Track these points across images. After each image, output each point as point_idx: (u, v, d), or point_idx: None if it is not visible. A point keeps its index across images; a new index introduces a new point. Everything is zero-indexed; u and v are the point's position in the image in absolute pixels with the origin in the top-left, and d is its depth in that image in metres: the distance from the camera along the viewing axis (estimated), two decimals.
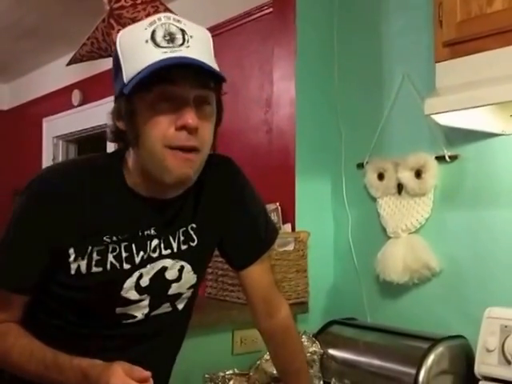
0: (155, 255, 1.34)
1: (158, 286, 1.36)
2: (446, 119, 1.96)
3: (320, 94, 2.56)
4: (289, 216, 2.49)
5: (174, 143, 1.21)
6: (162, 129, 1.20)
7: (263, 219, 1.54)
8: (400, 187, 2.27)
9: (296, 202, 2.49)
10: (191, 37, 1.20)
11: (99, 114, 4.27)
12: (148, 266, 1.33)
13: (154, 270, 1.34)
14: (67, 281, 1.30)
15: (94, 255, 1.28)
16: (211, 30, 2.89)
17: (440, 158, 2.16)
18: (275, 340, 1.58)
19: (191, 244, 1.39)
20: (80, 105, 4.62)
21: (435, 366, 1.91)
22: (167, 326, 1.43)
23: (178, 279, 1.39)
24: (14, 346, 1.29)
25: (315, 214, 2.55)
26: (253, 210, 1.52)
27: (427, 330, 2.11)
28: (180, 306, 1.42)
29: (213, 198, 1.43)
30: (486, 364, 1.85)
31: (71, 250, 1.27)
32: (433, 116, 1.92)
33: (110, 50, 2.64)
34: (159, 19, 1.21)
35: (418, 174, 2.19)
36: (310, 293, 2.43)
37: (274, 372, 2.05)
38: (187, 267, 1.39)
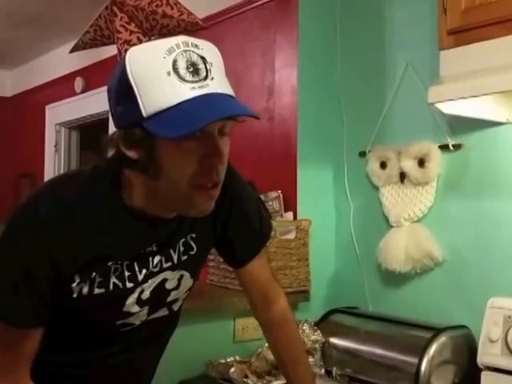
0: (156, 270, 1.33)
1: (158, 297, 1.36)
2: (449, 108, 1.95)
3: (322, 82, 2.55)
4: (290, 204, 2.49)
5: (202, 181, 1.19)
6: (191, 170, 1.17)
7: (257, 215, 1.52)
8: (403, 176, 2.26)
9: (298, 190, 2.49)
10: (211, 64, 1.15)
11: (102, 100, 4.24)
12: (149, 281, 1.32)
13: (155, 284, 1.34)
14: (68, 303, 1.26)
15: (97, 278, 1.26)
16: (213, 17, 2.92)
17: (443, 147, 2.15)
18: (273, 330, 1.59)
19: (191, 253, 1.38)
20: (82, 92, 4.60)
21: (437, 356, 1.90)
22: (162, 326, 1.44)
23: (177, 287, 1.39)
24: None
25: (317, 203, 2.54)
26: (247, 209, 1.50)
27: (429, 320, 2.10)
28: (175, 308, 1.43)
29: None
30: (488, 354, 1.84)
31: (76, 276, 1.24)
32: (436, 104, 1.91)
33: (112, 38, 2.64)
34: (178, 46, 1.14)
35: (421, 162, 2.18)
36: (311, 281, 2.43)
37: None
38: (186, 275, 1.39)
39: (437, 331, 1.95)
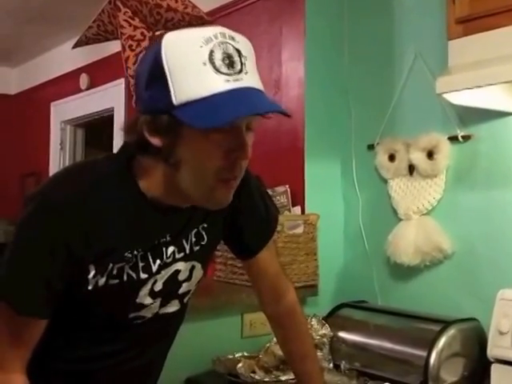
0: (169, 260, 1.32)
1: (171, 288, 1.35)
2: (458, 98, 1.94)
3: (329, 75, 2.54)
4: (298, 198, 2.48)
5: (225, 176, 1.18)
6: (217, 162, 1.16)
7: (262, 203, 1.52)
8: (411, 168, 2.25)
9: (305, 184, 2.48)
10: (246, 58, 1.15)
11: (107, 97, 4.26)
12: (162, 272, 1.31)
13: (168, 275, 1.32)
14: (82, 295, 1.24)
15: (114, 270, 1.25)
16: (220, 9, 2.90)
17: (453, 139, 2.14)
18: (281, 325, 1.58)
19: (202, 243, 1.38)
20: (88, 89, 4.59)
21: (447, 349, 1.90)
22: (171, 320, 1.43)
23: (189, 278, 1.38)
24: None
25: (325, 197, 2.54)
26: (253, 197, 1.49)
27: (439, 313, 2.10)
28: (185, 301, 1.42)
29: None
30: (498, 347, 1.84)
31: (91, 267, 1.22)
32: (445, 95, 1.90)
33: (116, 33, 2.62)
34: (215, 36, 1.13)
35: (430, 154, 2.17)
36: (319, 276, 2.43)
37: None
38: (197, 266, 1.38)
39: (446, 324, 1.94)
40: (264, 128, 2.70)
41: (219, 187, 1.19)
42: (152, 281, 1.30)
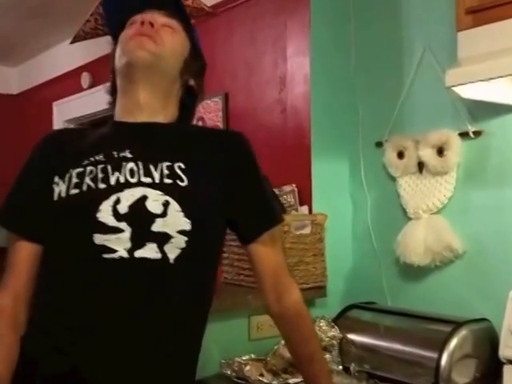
0: (134, 180, 1.35)
1: (139, 216, 1.31)
2: (468, 92, 1.91)
3: (336, 70, 2.51)
4: (305, 198, 2.46)
5: (131, 32, 1.45)
6: (128, 32, 1.46)
7: (272, 193, 1.57)
8: (421, 166, 2.23)
9: (312, 183, 2.46)
10: None
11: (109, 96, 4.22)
12: (125, 190, 1.33)
13: (134, 197, 1.33)
14: (50, 211, 1.37)
15: (73, 179, 1.36)
16: (224, 2, 2.87)
17: (463, 134, 2.12)
18: (286, 324, 1.54)
19: (178, 183, 1.36)
20: (90, 87, 4.58)
21: (458, 350, 1.88)
22: (161, 281, 1.33)
23: (163, 215, 1.32)
24: None
25: (332, 196, 2.52)
26: (262, 181, 1.51)
27: (450, 313, 2.08)
28: (171, 256, 1.32)
29: (215, 149, 1.46)
30: (511, 347, 1.82)
31: (56, 177, 1.38)
32: (455, 89, 1.88)
33: None
34: None
35: (440, 151, 2.15)
36: (328, 277, 2.40)
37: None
38: (174, 204, 1.33)
39: (457, 325, 1.93)
40: (270, 127, 2.68)
41: (127, 41, 1.45)
42: (114, 198, 1.32)
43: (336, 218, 2.45)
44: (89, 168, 1.36)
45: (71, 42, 2.79)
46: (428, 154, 2.18)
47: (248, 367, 2.01)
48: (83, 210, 1.33)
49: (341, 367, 2.11)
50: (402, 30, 2.36)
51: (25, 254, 1.39)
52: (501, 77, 1.70)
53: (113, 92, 1.55)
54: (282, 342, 2.05)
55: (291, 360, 1.95)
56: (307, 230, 2.33)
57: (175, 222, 1.32)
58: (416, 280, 2.29)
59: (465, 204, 2.15)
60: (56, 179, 1.38)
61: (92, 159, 1.37)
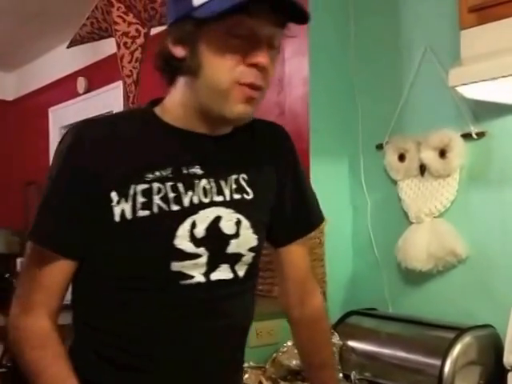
0: (207, 200, 1.26)
1: (215, 240, 1.27)
2: (472, 91, 1.89)
3: (335, 71, 2.50)
4: None
5: (243, 79, 1.19)
6: (232, 64, 1.19)
7: (312, 193, 1.50)
8: (423, 168, 2.21)
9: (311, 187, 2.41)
10: None
11: (106, 101, 4.22)
12: (200, 212, 1.25)
13: (209, 219, 1.26)
14: (113, 232, 1.23)
15: (139, 197, 1.22)
16: None
17: (466, 136, 2.09)
18: (305, 328, 1.51)
19: (245, 196, 1.32)
20: (85, 92, 4.59)
21: (462, 357, 1.87)
22: (232, 298, 1.33)
23: (237, 235, 1.30)
24: (48, 368, 1.23)
25: (332, 200, 2.46)
26: (305, 184, 1.49)
27: (453, 320, 2.06)
28: (241, 273, 1.33)
29: (266, 152, 1.40)
30: None
31: (113, 194, 1.21)
32: (458, 88, 1.86)
33: (110, 30, 2.58)
34: None
35: (443, 153, 2.13)
36: (327, 282, 2.37)
37: (291, 365, 2.07)
38: (245, 222, 1.30)
39: (460, 331, 1.92)
40: None
41: (237, 92, 1.20)
42: (190, 221, 1.24)
43: (336, 223, 2.40)
44: (156, 185, 1.23)
45: (68, 47, 2.81)
46: (430, 157, 2.16)
47: (247, 375, 2.00)
48: (159, 237, 1.23)
49: (341, 375, 2.09)
50: (402, 30, 2.35)
51: (61, 272, 1.25)
52: (504, 76, 1.67)
53: (167, 65, 1.27)
54: (281, 349, 2.08)
55: (290, 368, 1.98)
56: None
57: (247, 241, 1.32)
58: (418, 286, 2.27)
59: (468, 207, 2.12)
60: (113, 195, 1.21)
61: (158, 174, 1.23)
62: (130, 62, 2.44)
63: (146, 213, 1.21)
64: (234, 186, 1.30)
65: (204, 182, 1.27)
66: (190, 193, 1.25)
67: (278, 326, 2.21)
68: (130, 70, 2.41)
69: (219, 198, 1.28)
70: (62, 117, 4.97)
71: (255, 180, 1.34)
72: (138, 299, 1.25)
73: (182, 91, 1.26)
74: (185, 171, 1.26)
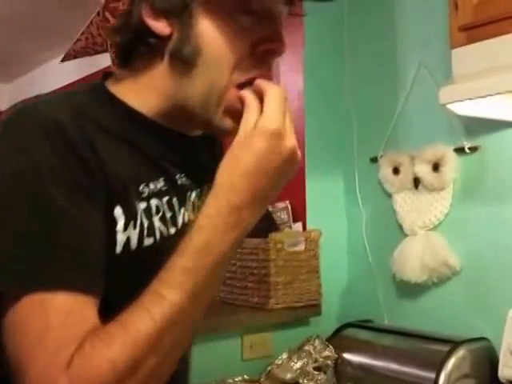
0: (193, 217, 1.00)
1: None
2: (463, 109, 1.89)
3: (330, 86, 2.51)
4: (299, 214, 2.44)
5: (250, 73, 0.91)
6: (242, 53, 0.89)
7: None
8: (417, 182, 2.21)
9: (306, 199, 2.44)
10: None
11: None
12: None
13: None
14: (112, 270, 0.86)
15: (144, 220, 0.91)
16: None
17: (459, 150, 2.10)
18: None
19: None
20: None
21: (456, 370, 1.85)
22: None
23: None
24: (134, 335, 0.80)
25: (327, 212, 2.50)
26: None
27: (447, 332, 2.06)
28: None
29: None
30: (510, 367, 1.79)
31: (118, 209, 0.87)
32: (450, 106, 1.85)
33: (105, 45, 2.58)
34: None
35: (436, 167, 2.13)
36: (322, 295, 2.37)
37: (286, 378, 2.06)
38: None
39: (455, 344, 1.90)
40: None
41: (233, 94, 0.90)
42: None
43: (331, 235, 2.43)
44: (154, 202, 0.93)
45: (62, 61, 2.79)
46: (423, 170, 2.17)
47: None
48: (158, 266, 0.85)
49: None
50: (396, 47, 2.36)
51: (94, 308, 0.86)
52: (490, 95, 1.68)
53: (138, 45, 0.96)
54: (276, 362, 2.07)
55: (285, 381, 1.96)
56: (301, 247, 2.31)
57: None
58: (413, 297, 2.27)
59: (461, 220, 2.13)
60: (119, 220, 0.88)
61: (152, 187, 0.93)
62: None
63: (151, 241, 0.93)
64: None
65: (194, 194, 1.03)
66: (182, 209, 1.00)
67: (272, 339, 2.23)
68: None
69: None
70: None
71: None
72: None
73: (162, 78, 0.93)
74: (178, 181, 0.99)
